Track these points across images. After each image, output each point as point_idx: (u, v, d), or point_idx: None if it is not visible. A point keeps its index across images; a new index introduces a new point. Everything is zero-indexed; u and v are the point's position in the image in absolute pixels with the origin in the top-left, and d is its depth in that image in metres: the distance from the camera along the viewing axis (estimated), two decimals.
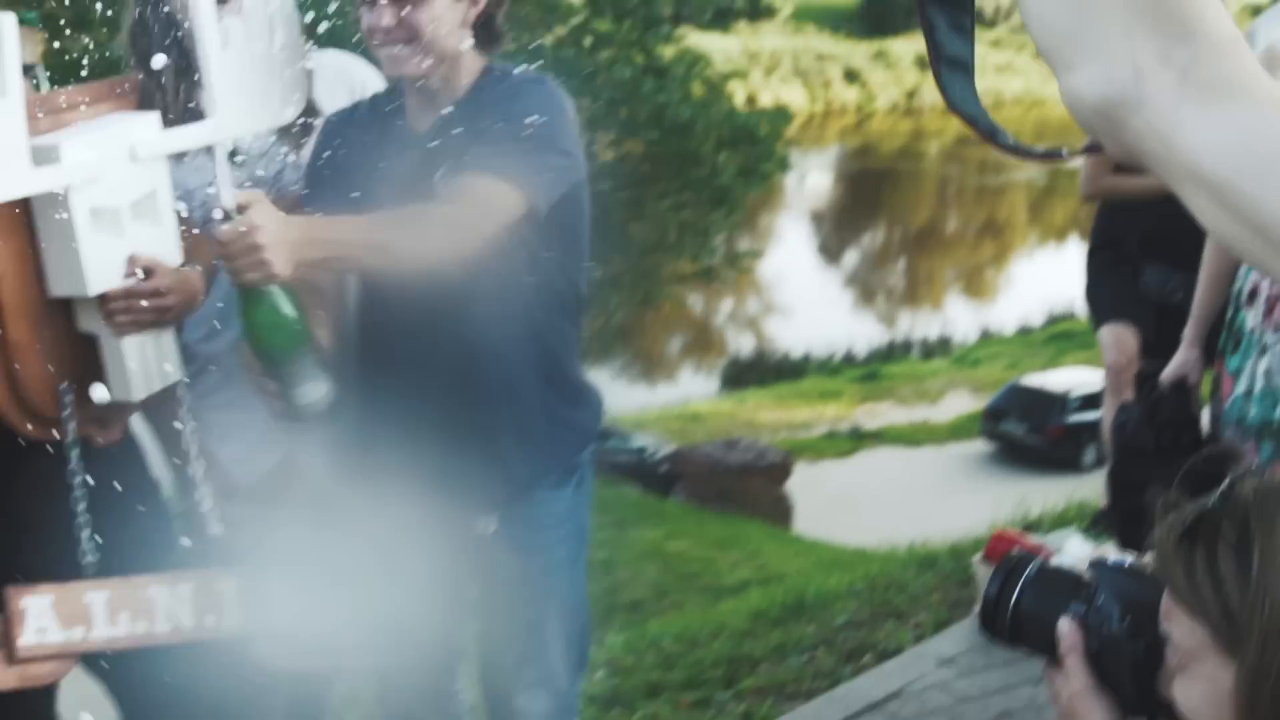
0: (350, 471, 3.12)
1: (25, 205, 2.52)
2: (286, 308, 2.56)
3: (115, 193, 2.57)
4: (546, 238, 2.93)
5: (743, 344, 35.93)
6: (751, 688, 4.67)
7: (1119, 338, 4.85)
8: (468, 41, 2.91)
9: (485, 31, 2.94)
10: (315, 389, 2.62)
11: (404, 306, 2.95)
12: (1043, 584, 1.60)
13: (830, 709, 4.47)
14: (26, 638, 2.56)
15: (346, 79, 3.34)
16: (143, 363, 2.67)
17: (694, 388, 32.28)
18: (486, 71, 2.96)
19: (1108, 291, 4.99)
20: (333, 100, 3.20)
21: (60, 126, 2.58)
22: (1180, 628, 1.26)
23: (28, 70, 3.03)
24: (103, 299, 2.59)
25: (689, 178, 19.83)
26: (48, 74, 3.29)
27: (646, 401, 29.38)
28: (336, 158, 3.02)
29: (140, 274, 2.60)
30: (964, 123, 1.15)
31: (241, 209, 2.48)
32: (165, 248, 2.66)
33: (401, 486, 3.02)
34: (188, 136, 2.65)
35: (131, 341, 2.63)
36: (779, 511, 16.10)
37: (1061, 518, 6.17)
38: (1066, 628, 1.51)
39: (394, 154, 2.97)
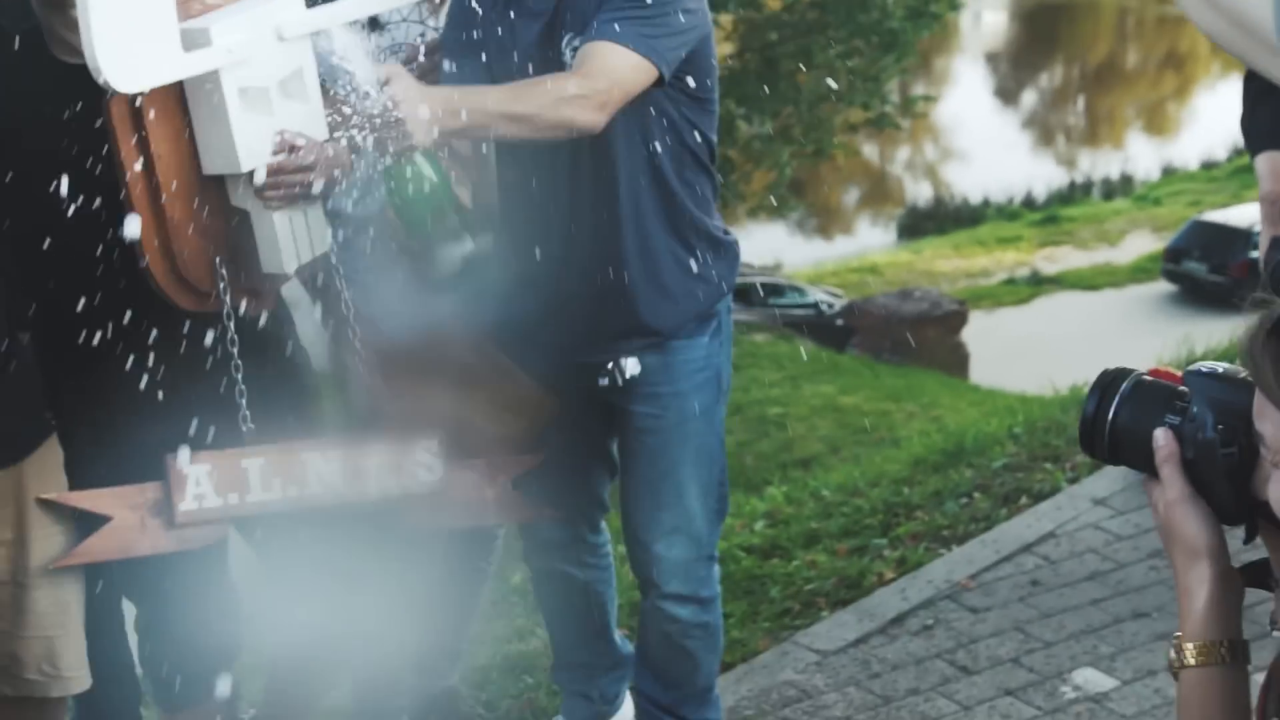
0: (494, 325, 3.24)
1: (178, 86, 2.62)
2: (428, 173, 2.68)
3: (263, 72, 2.66)
4: (674, 95, 3.00)
5: (920, 192, 35.46)
6: (907, 533, 4.74)
7: (1275, 166, 4.74)
8: None
9: None
10: (458, 250, 2.74)
11: (542, 166, 3.05)
12: (1139, 398, 1.59)
13: (983, 551, 4.53)
14: (186, 504, 2.72)
15: None
16: (293, 236, 2.76)
17: (871, 239, 32.01)
18: None
19: (1265, 116, 4.86)
20: None
21: (208, 9, 2.65)
22: (1272, 426, 1.27)
23: None
24: (253, 175, 2.68)
25: (857, 23, 19.44)
26: None
27: (824, 255, 29.24)
28: (468, 29, 3.10)
29: (289, 150, 2.69)
30: None
31: (383, 84, 2.59)
32: (312, 123, 2.74)
33: (544, 337, 3.15)
34: (331, 14, 2.74)
35: (282, 215, 2.73)
36: (955, 361, 15.98)
37: (1226, 354, 6.08)
38: (1162, 438, 1.52)
39: (524, 21, 3.04)
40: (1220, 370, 1.54)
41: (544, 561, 3.46)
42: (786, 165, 19.69)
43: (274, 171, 2.69)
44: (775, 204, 22.23)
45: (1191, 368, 1.58)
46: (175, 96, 2.63)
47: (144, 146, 2.58)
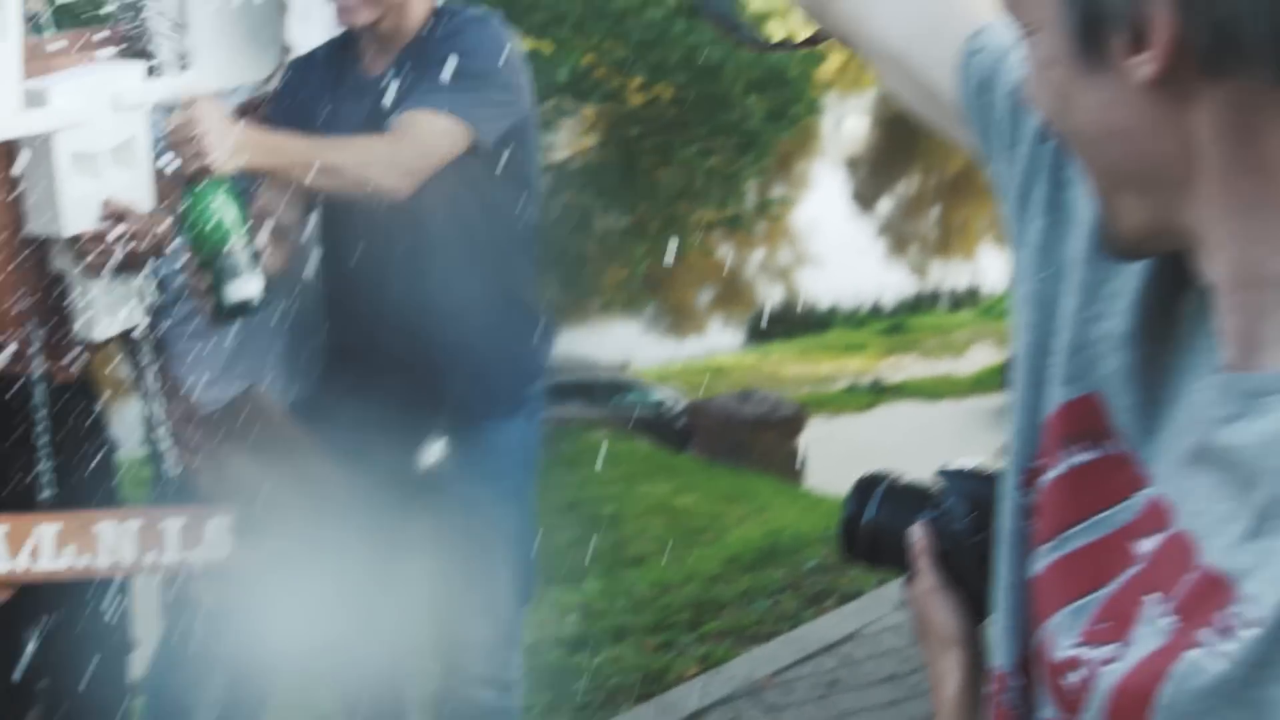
0: (309, 401, 3.24)
1: (9, 145, 2.62)
2: (222, 201, 2.66)
3: (97, 138, 2.67)
4: (494, 173, 3.04)
5: (772, 295, 35.93)
6: (714, 631, 4.79)
7: None
8: None
9: None
10: (245, 287, 2.69)
11: (359, 239, 3.07)
12: (895, 498, 1.60)
13: (785, 650, 4.58)
14: None
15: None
16: (109, 304, 2.78)
17: (721, 340, 32.31)
18: (436, 13, 3.07)
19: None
20: (305, 31, 3.29)
21: (49, 71, 2.66)
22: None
23: (30, 17, 3.13)
24: (76, 240, 2.69)
25: (718, 122, 19.73)
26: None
27: (673, 354, 29.44)
28: (297, 101, 3.13)
29: (115, 218, 2.70)
30: (714, 24, 1.32)
31: (187, 104, 2.60)
32: (140, 193, 2.76)
33: (357, 413, 3.14)
34: (169, 87, 2.74)
35: (99, 283, 2.74)
36: (791, 466, 16.14)
37: None
38: (917, 532, 1.53)
39: (350, 97, 3.08)
40: (971, 466, 1.59)
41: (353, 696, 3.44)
42: (640, 262, 19.86)
43: (96, 239, 2.69)
44: (627, 300, 22.41)
45: (944, 467, 1.63)
46: (4, 154, 2.63)
47: None
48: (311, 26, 3.34)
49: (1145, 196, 0.94)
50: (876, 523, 1.65)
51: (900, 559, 1.63)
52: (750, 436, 16.06)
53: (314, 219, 3.21)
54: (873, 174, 45.15)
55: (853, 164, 45.55)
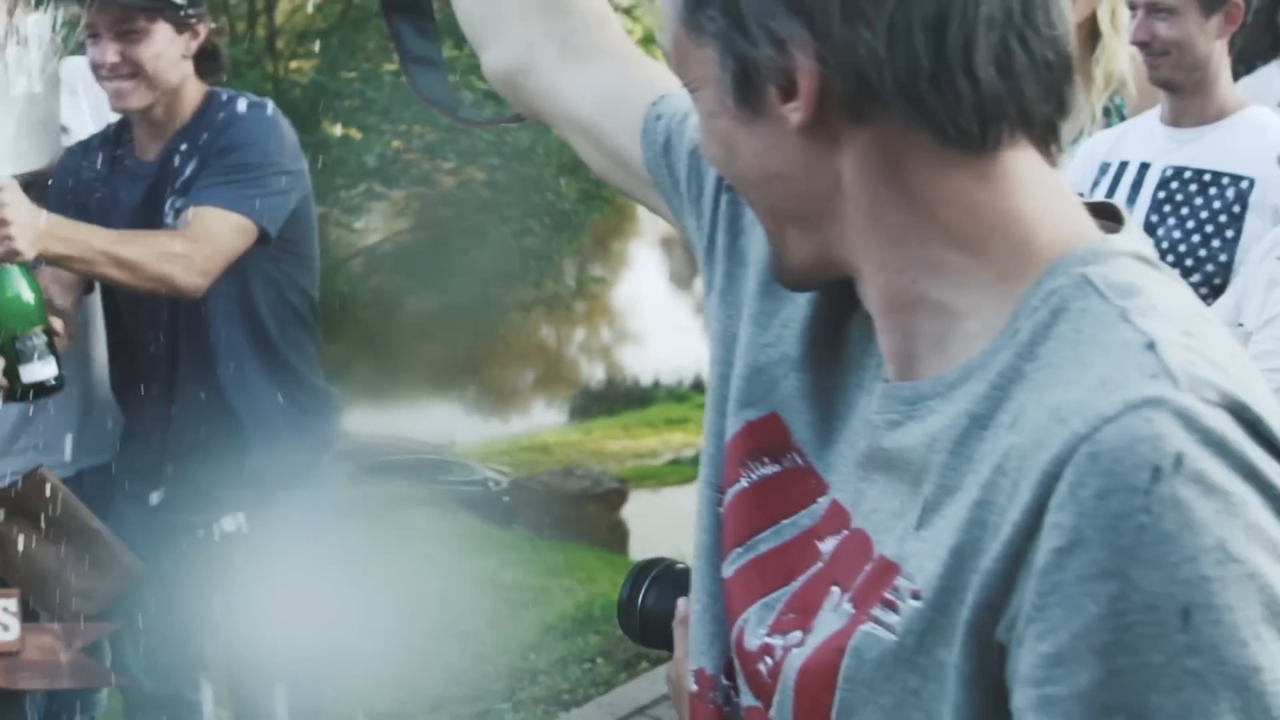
0: (103, 475, 3.26)
1: None
2: (21, 286, 2.71)
3: None
4: (275, 254, 3.12)
5: (593, 373, 36.09)
6: (529, 698, 4.84)
7: None
8: (188, 72, 3.09)
9: (207, 61, 3.12)
10: (42, 369, 2.75)
11: (143, 321, 3.12)
12: (666, 582, 1.68)
13: (598, 714, 4.65)
14: None
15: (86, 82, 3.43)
16: None
17: (546, 419, 32.34)
18: (209, 97, 3.14)
19: None
20: (74, 108, 3.32)
21: None
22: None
23: None
24: None
25: (531, 204, 19.91)
26: None
27: (498, 433, 29.41)
28: (73, 186, 3.17)
29: None
30: (432, 108, 1.43)
31: None
32: None
33: (147, 492, 3.18)
34: None
35: None
36: (615, 538, 16.22)
37: None
38: (682, 606, 1.59)
39: (125, 183, 3.13)
40: None
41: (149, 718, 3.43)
42: (457, 343, 19.89)
43: None
44: (447, 381, 22.36)
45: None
46: None
47: None
48: (84, 109, 3.39)
49: (807, 232, 1.04)
50: (646, 607, 1.74)
51: (669, 640, 1.72)
52: (575, 511, 16.18)
53: (98, 300, 3.25)
54: (688, 254, 45.57)
55: (667, 244, 46.07)
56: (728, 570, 1.15)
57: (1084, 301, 0.95)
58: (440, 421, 28.00)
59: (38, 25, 2.92)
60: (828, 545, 1.07)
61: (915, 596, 0.95)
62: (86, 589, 3.02)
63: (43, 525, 2.96)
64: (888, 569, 0.98)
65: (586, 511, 16.22)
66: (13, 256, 2.67)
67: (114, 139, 3.22)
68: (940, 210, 0.99)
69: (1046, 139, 1.01)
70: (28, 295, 2.74)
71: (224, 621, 3.31)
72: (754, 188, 1.06)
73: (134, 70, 3.02)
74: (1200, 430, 0.87)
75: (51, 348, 2.77)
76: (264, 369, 3.20)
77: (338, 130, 14.85)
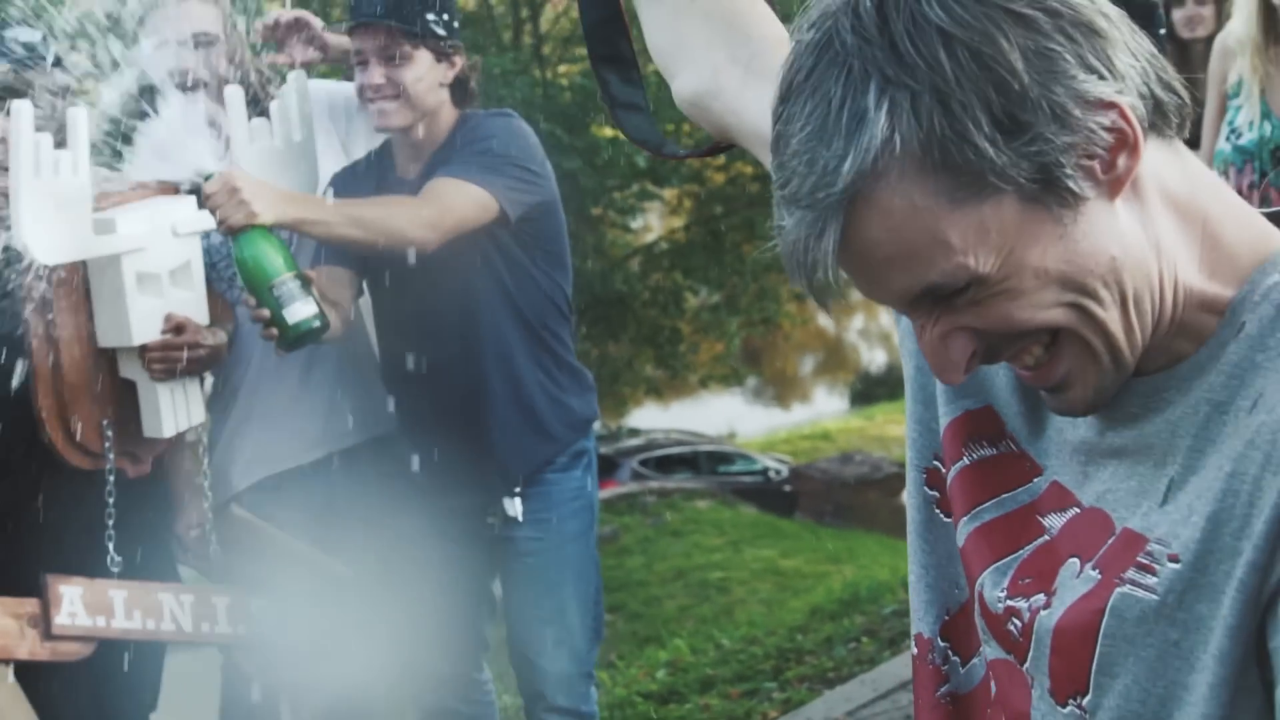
0: (376, 471, 3.58)
1: (83, 268, 3.03)
2: (268, 240, 2.98)
3: (158, 261, 3.06)
4: (527, 247, 3.38)
5: (874, 358, 35.98)
6: (796, 676, 5.01)
7: None
8: (445, 99, 3.37)
9: (460, 90, 3.40)
10: (303, 309, 3.00)
11: (414, 313, 3.43)
12: None
13: (862, 690, 4.80)
14: (61, 619, 3.02)
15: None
16: (172, 406, 3.14)
17: (827, 406, 32.41)
18: (463, 119, 3.42)
19: None
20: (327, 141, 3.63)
21: (116, 205, 3.06)
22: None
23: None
24: (143, 350, 3.06)
25: None
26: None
27: (779, 422, 29.60)
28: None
29: (176, 330, 3.07)
30: (640, 147, 1.57)
31: (222, 174, 2.95)
32: (196, 310, 3.14)
33: (424, 481, 3.48)
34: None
35: (164, 387, 3.11)
36: (897, 523, 16.24)
37: None
38: None
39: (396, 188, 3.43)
40: None
41: (434, 699, 3.73)
42: (735, 335, 20.10)
43: (161, 348, 3.06)
44: (727, 374, 22.55)
45: None
46: (80, 276, 3.03)
47: (49, 325, 2.99)
48: (336, 142, 3.70)
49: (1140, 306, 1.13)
50: None
51: None
52: (854, 497, 16.29)
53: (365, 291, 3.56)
54: None
55: None
56: (960, 536, 1.26)
57: None
58: (722, 413, 28.37)
59: (297, 77, 3.25)
60: (1053, 521, 1.19)
61: (1173, 560, 1.06)
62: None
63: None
64: (1134, 539, 1.10)
65: (866, 498, 16.30)
66: (251, 219, 2.94)
67: (378, 162, 3.53)
68: (1190, 223, 1.10)
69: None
70: (272, 248, 2.98)
71: (509, 602, 3.61)
72: (1102, 290, 1.07)
73: (397, 92, 3.32)
74: None
75: (307, 290, 3.00)
76: (529, 361, 3.48)
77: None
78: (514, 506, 3.49)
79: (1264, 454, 1.02)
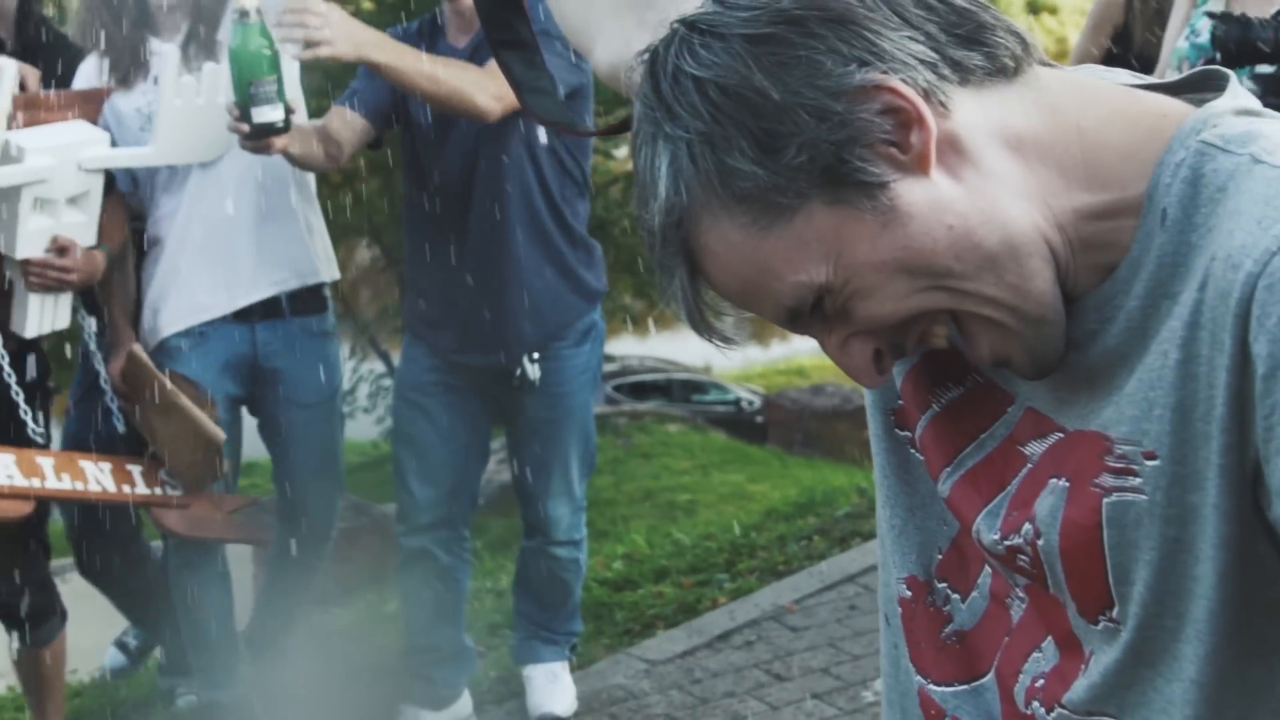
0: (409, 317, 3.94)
1: None
2: (259, 40, 3.21)
3: (58, 189, 3.39)
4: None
5: None
6: (747, 569, 5.18)
7: None
8: None
9: None
10: (271, 113, 3.25)
11: (441, 186, 3.68)
12: None
13: (809, 581, 4.97)
14: None
15: None
16: (39, 312, 3.51)
17: (803, 344, 32.47)
18: None
19: None
20: None
21: (35, 123, 3.39)
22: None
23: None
24: (25, 262, 3.42)
25: None
26: None
27: (755, 358, 29.74)
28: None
29: (58, 252, 3.44)
30: (550, 127, 1.59)
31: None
32: (84, 232, 3.50)
33: (443, 338, 3.82)
34: (127, 157, 3.55)
35: (35, 295, 3.48)
36: (866, 453, 16.39)
37: None
38: None
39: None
40: None
41: (416, 541, 3.97)
42: None
43: (41, 265, 3.44)
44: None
45: None
46: None
47: None
48: None
49: (1021, 260, 1.10)
50: None
51: None
52: (824, 427, 16.45)
53: (403, 161, 3.82)
54: None
55: None
56: (943, 489, 1.22)
57: (1213, 163, 1.04)
58: (698, 348, 28.43)
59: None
60: (1033, 448, 1.15)
61: (1150, 458, 1.05)
62: (185, 460, 3.64)
63: (160, 398, 3.53)
64: (1095, 438, 1.09)
65: (836, 428, 16.44)
66: (327, 50, 3.15)
67: (429, 28, 3.76)
68: (1045, 157, 1.08)
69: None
70: (264, 48, 3.20)
71: (519, 455, 3.95)
72: (956, 265, 1.06)
73: None
74: None
75: (280, 95, 3.24)
76: (553, 232, 3.73)
77: None
78: (533, 370, 3.75)
79: (1209, 334, 1.01)
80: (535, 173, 3.65)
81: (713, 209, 1.06)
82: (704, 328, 1.12)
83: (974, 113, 1.07)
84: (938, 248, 1.04)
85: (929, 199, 1.04)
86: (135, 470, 3.66)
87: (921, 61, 1.04)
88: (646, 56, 1.11)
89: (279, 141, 3.32)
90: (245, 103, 3.23)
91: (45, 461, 3.47)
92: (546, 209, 3.70)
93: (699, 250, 1.08)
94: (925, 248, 1.04)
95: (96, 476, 3.54)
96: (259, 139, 3.30)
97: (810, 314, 1.09)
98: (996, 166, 1.06)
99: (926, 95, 1.04)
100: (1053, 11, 37.84)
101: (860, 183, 1.03)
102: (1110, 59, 4.94)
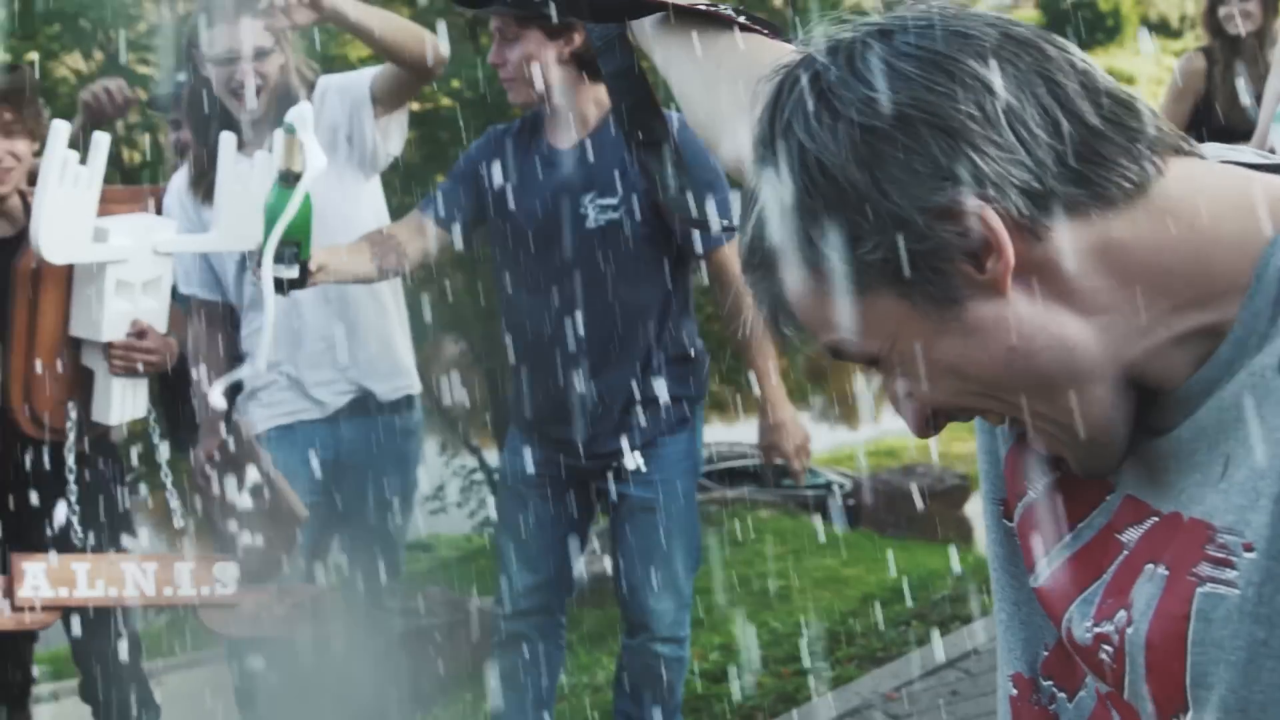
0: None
1: (71, 267, 3.50)
2: (294, 204, 3.21)
3: (136, 272, 3.51)
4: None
5: None
6: (846, 656, 5.13)
7: None
8: (566, 74, 3.66)
9: (589, 64, 3.59)
10: (286, 271, 3.28)
11: (539, 277, 3.74)
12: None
13: (909, 667, 4.91)
14: (24, 591, 3.39)
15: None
16: (121, 398, 3.61)
17: (893, 425, 32.27)
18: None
19: None
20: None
21: (108, 212, 3.49)
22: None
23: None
24: (107, 346, 3.53)
25: None
26: None
27: (845, 440, 29.56)
28: (490, 163, 3.79)
29: (138, 335, 3.55)
30: (692, 226, 1.63)
31: None
32: (158, 318, 3.60)
33: (548, 429, 3.85)
34: (194, 243, 3.71)
35: (118, 381, 3.58)
36: (960, 534, 16.29)
37: None
38: None
39: (541, 165, 3.76)
40: None
41: (515, 626, 3.99)
42: (798, 350, 20.12)
43: (124, 347, 3.55)
44: (793, 391, 22.53)
45: None
46: (67, 273, 3.53)
47: (31, 307, 3.54)
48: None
49: (1083, 384, 1.09)
50: None
51: None
52: (916, 509, 16.30)
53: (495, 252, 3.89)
54: None
55: None
56: (1040, 580, 1.18)
57: None
58: None
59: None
60: (1130, 535, 1.10)
61: (1249, 550, 0.99)
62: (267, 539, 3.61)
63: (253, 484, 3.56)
64: (1196, 526, 1.03)
65: (929, 509, 16.31)
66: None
67: (531, 126, 3.83)
68: (1151, 269, 1.04)
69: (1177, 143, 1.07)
70: (296, 213, 3.21)
71: (622, 548, 3.93)
72: (1007, 380, 1.06)
73: (511, 73, 3.67)
74: None
75: (301, 256, 3.27)
76: (663, 338, 3.77)
77: None
78: (635, 459, 3.77)
79: None
80: (662, 288, 3.73)
81: (790, 262, 1.07)
82: (784, 340, 1.13)
83: (1071, 238, 1.03)
84: (995, 364, 1.04)
85: (996, 316, 1.03)
86: (184, 569, 3.58)
87: (1022, 191, 1.01)
88: (773, 85, 1.10)
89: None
90: (264, 256, 3.24)
91: (81, 566, 3.47)
92: (660, 323, 3.76)
93: (778, 283, 1.10)
94: (981, 361, 1.04)
95: (137, 579, 3.51)
96: (278, 292, 3.34)
97: (873, 363, 1.10)
98: (1083, 284, 1.03)
99: (1017, 224, 1.02)
100: (1130, 81, 37.73)
101: (932, 291, 1.03)
102: (1191, 128, 4.91)
